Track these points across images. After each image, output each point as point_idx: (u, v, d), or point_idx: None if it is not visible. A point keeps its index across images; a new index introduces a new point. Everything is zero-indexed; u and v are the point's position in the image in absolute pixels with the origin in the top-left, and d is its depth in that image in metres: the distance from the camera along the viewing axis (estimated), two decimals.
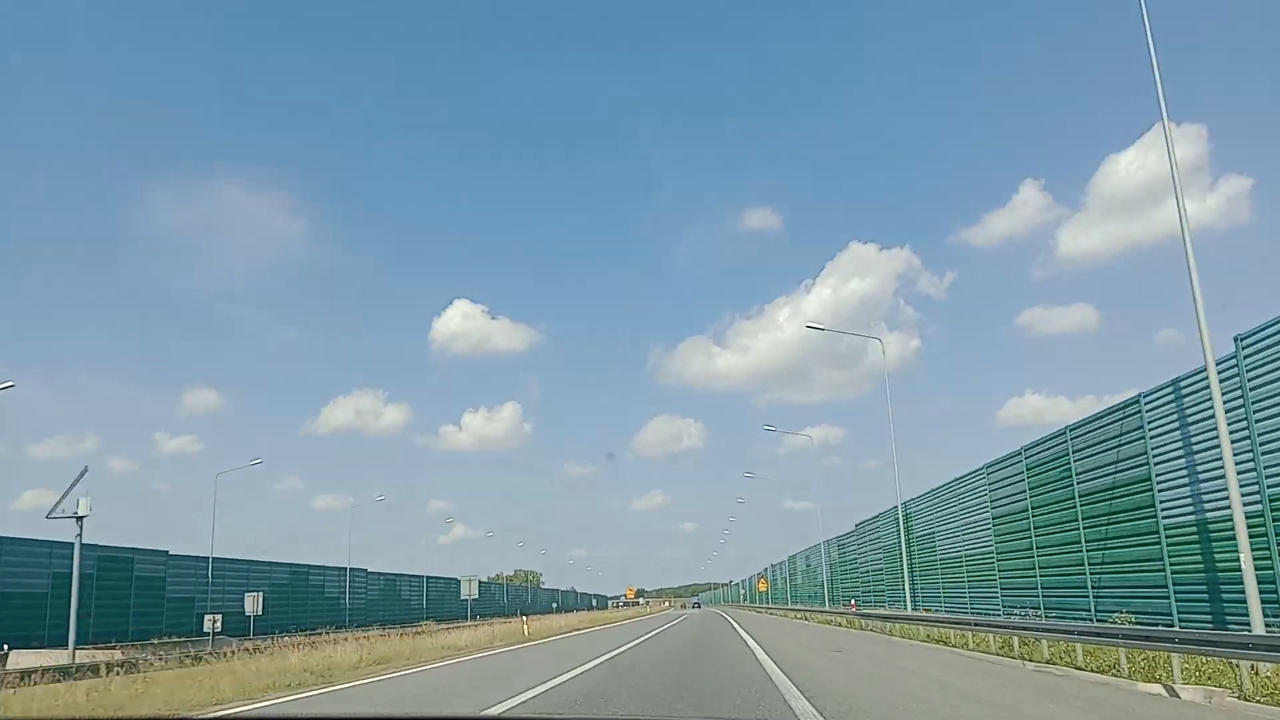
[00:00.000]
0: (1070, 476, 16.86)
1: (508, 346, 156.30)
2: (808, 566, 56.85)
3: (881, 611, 28.56)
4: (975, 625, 17.51)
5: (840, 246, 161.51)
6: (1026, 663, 14.15)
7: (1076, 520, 16.66)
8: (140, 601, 41.36)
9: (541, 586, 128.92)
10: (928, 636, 20.90)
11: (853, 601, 35.81)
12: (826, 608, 43.67)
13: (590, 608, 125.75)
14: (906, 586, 27.91)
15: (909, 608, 27.55)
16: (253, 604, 41.71)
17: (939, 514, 26.65)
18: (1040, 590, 18.57)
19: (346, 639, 26.69)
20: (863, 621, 28.97)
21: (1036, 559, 18.71)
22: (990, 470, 21.63)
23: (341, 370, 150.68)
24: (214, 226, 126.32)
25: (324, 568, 57.18)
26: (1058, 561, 17.67)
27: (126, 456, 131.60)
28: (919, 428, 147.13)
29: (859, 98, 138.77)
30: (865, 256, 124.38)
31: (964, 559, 24.08)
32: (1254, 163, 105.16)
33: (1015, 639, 15.25)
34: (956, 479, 24.98)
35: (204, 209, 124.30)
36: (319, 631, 44.60)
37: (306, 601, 54.18)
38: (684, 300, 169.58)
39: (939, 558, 26.64)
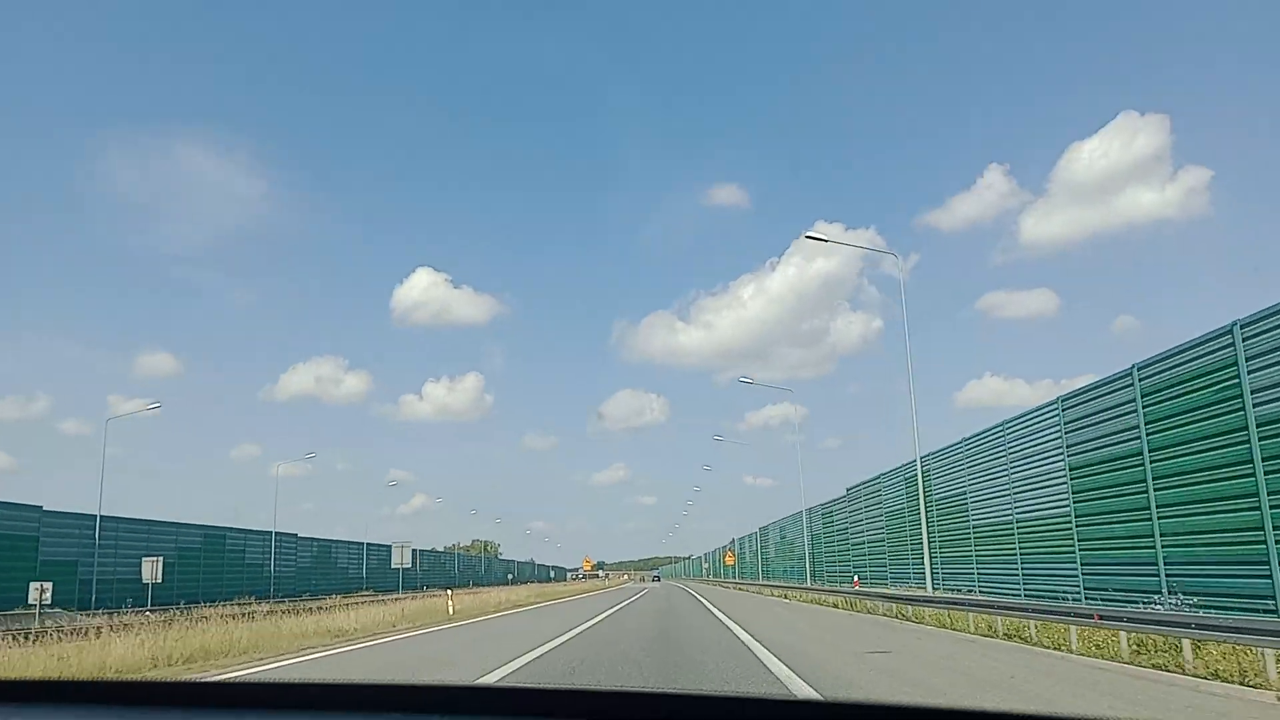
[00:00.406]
0: (1240, 397, 11.14)
1: (471, 316, 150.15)
2: (782, 539, 51.36)
3: (894, 591, 22.93)
4: (1074, 615, 11.86)
5: (806, 225, 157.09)
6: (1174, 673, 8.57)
7: (1251, 461, 10.95)
8: (6, 565, 34.80)
9: (499, 557, 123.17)
10: (976, 627, 15.25)
11: (855, 579, 30.17)
12: (809, 584, 38.20)
13: (548, 579, 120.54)
14: (928, 560, 22.23)
15: (930, 587, 21.91)
16: (150, 570, 35.45)
17: (972, 468, 20.97)
18: (1162, 564, 12.89)
19: (209, 615, 20.71)
20: (866, 603, 23.39)
21: (1157, 521, 13.02)
22: (1066, 404, 15.90)
23: (301, 336, 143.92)
24: (172, 187, 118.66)
25: (245, 531, 50.60)
26: (1202, 525, 11.98)
27: (80, 419, 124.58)
28: (880, 407, 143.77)
29: (827, 77, 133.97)
30: (830, 236, 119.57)
31: (1014, 525, 18.41)
32: (1215, 154, 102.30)
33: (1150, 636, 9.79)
34: (1000, 424, 19.28)
35: (162, 168, 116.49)
36: (234, 602, 40.01)
37: (223, 569, 47.76)
38: (649, 275, 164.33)
39: (971, 524, 20.99)
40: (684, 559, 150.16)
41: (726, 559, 76.62)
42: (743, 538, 70.34)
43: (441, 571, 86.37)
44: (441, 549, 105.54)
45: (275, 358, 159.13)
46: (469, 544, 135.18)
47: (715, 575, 63.18)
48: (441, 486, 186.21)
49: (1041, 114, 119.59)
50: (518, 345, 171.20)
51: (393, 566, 33.87)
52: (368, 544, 67.97)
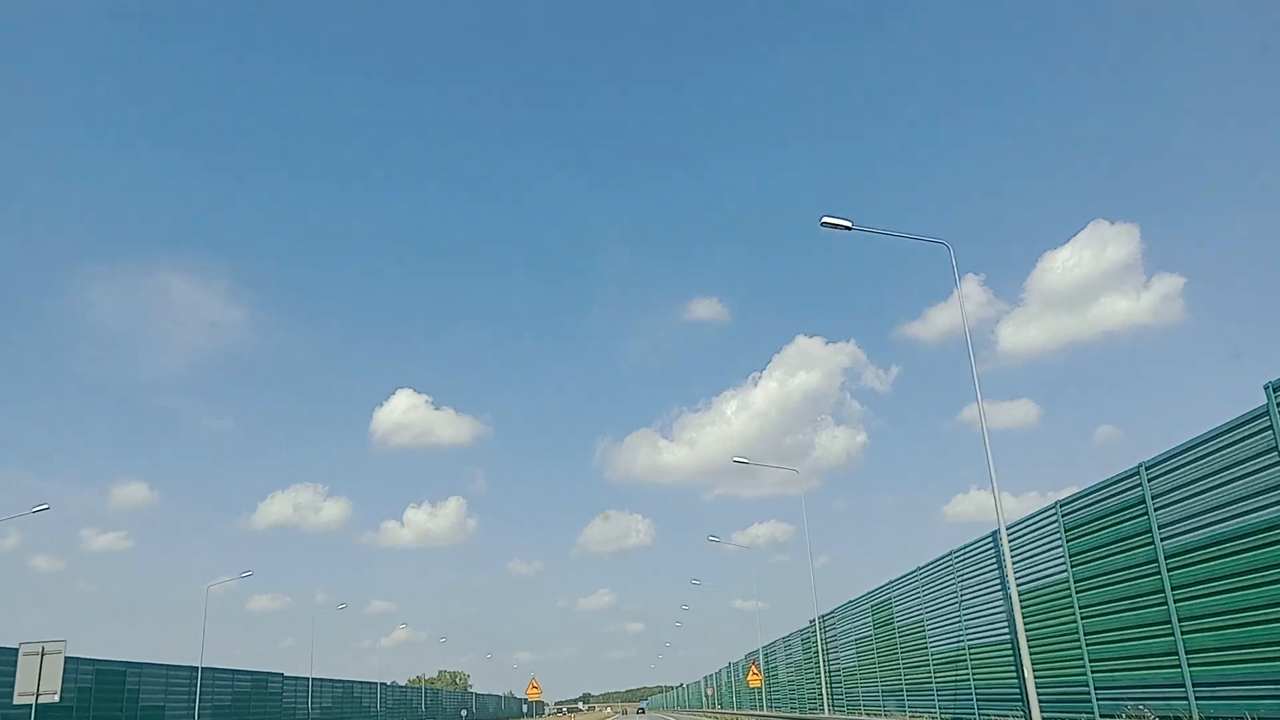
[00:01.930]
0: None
1: (452, 438, 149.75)
2: (768, 665, 49.58)
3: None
4: None
5: (786, 340, 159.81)
6: None
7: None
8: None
9: (469, 690, 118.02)
10: None
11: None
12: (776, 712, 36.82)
13: (520, 715, 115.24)
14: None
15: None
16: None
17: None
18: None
19: None
20: None
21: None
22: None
23: (280, 463, 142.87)
24: (150, 314, 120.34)
25: (144, 664, 45.56)
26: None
27: (52, 554, 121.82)
28: (865, 524, 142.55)
29: (802, 190, 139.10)
30: (811, 350, 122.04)
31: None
32: (1185, 261, 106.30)
33: None
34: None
35: (141, 296, 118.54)
36: None
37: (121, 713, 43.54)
38: (631, 392, 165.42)
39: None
40: (674, 688, 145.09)
41: (706, 691, 75.54)
42: (719, 670, 69.01)
43: (409, 710, 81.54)
44: (405, 682, 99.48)
45: (253, 486, 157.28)
46: (434, 676, 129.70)
47: (730, 704, 60.94)
48: (424, 617, 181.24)
49: (1014, 222, 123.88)
50: (500, 467, 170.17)
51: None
52: (313, 679, 61.19)
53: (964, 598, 18.58)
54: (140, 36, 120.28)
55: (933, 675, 20.58)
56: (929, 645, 20.92)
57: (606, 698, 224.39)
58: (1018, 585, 15.56)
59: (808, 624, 34.86)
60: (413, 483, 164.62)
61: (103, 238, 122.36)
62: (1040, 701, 14.47)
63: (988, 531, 17.14)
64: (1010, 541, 15.67)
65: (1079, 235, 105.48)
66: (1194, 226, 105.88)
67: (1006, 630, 16.25)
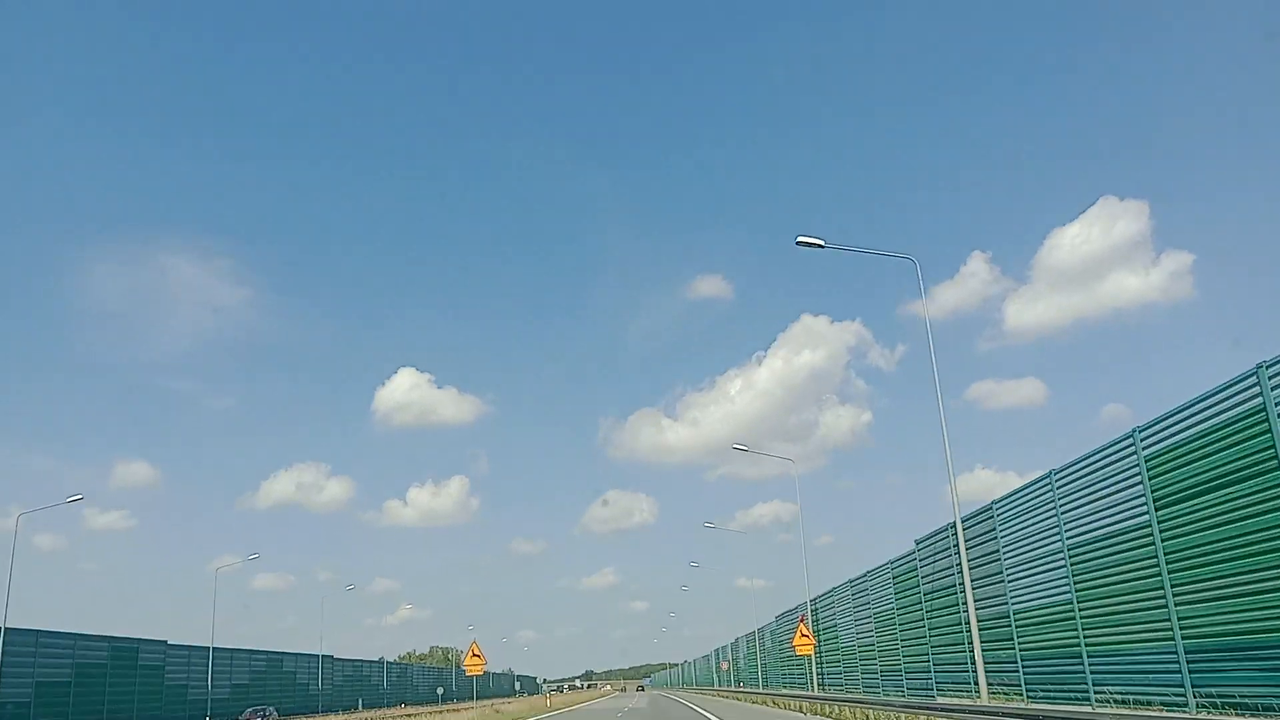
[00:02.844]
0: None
1: (455, 417, 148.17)
2: (775, 642, 47.67)
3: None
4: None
5: (792, 318, 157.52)
6: None
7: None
8: (144, 690, 40.89)
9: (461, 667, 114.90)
10: None
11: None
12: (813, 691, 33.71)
13: (513, 693, 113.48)
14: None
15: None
16: None
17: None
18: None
19: None
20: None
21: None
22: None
23: (282, 442, 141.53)
24: (155, 295, 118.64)
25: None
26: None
27: (53, 533, 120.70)
28: (871, 503, 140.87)
29: (809, 166, 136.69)
30: (816, 329, 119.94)
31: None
32: (1194, 238, 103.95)
33: None
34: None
35: (146, 277, 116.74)
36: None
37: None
38: (635, 371, 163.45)
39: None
40: (677, 665, 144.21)
41: (721, 666, 71.63)
42: (736, 640, 66.21)
43: (409, 686, 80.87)
44: (397, 658, 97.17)
45: (256, 465, 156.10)
46: (425, 651, 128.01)
47: (742, 680, 58.27)
48: (428, 595, 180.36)
49: (1022, 199, 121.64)
50: (503, 446, 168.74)
51: None
52: (323, 656, 62.62)
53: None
54: (145, 19, 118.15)
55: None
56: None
57: (609, 675, 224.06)
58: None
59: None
60: (416, 462, 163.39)
61: (107, 219, 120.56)
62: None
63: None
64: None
65: (1088, 212, 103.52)
66: (1204, 204, 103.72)
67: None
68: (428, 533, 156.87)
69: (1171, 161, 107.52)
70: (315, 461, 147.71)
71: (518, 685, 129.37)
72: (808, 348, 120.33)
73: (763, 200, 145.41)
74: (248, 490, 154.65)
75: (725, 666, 67.54)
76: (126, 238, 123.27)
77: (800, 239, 19.52)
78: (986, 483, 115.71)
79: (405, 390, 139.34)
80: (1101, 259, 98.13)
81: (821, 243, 19.49)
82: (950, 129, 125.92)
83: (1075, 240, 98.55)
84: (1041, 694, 15.27)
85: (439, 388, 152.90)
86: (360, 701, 66.85)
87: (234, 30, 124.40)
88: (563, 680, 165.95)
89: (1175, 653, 11.16)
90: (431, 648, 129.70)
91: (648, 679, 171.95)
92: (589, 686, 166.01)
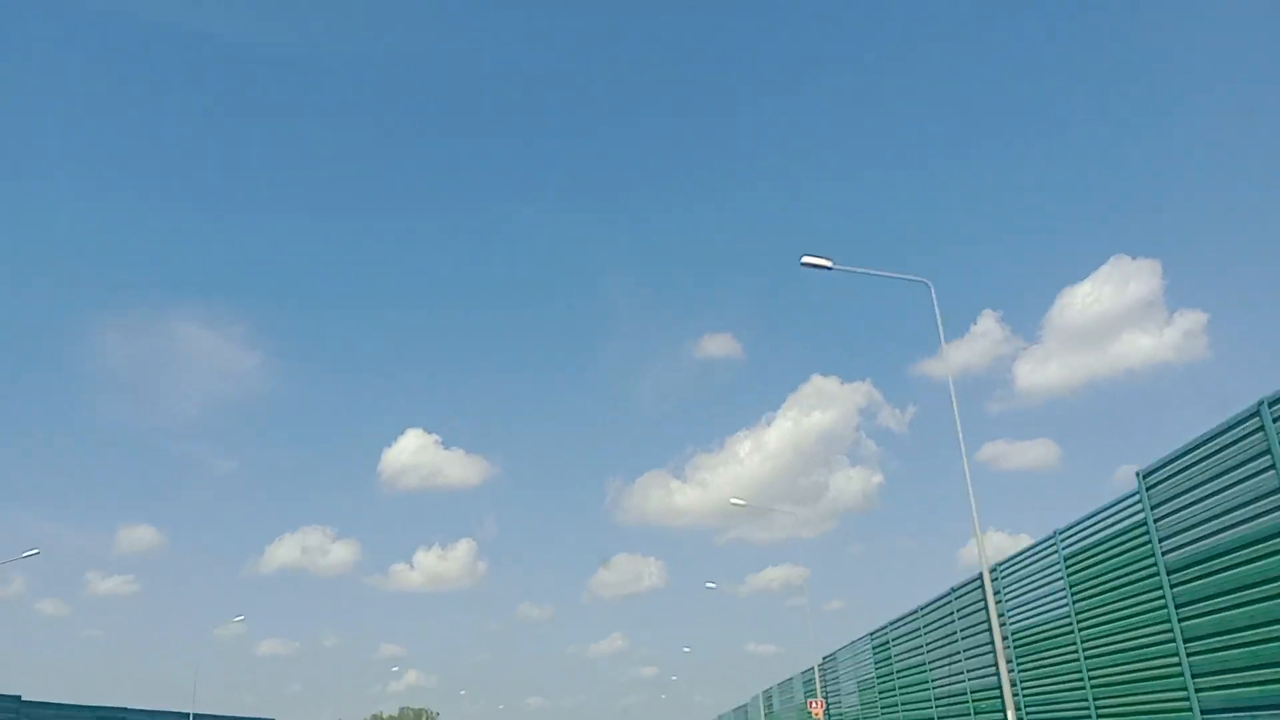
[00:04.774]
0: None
1: (462, 479, 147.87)
2: (769, 712, 48.11)
3: None
4: None
5: (802, 378, 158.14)
6: None
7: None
8: None
9: None
10: None
11: None
12: None
13: None
14: None
15: None
16: None
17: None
18: None
19: None
20: None
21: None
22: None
23: (287, 506, 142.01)
24: (165, 361, 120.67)
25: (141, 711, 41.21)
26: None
27: (55, 598, 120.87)
28: (881, 566, 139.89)
29: (815, 225, 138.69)
30: (827, 389, 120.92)
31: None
32: (1208, 297, 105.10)
33: None
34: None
35: (155, 344, 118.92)
36: None
37: None
38: (643, 432, 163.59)
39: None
40: None
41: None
42: (738, 708, 66.36)
43: None
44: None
45: (262, 528, 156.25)
46: (395, 713, 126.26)
47: None
48: (434, 662, 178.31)
49: (1033, 258, 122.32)
50: (510, 508, 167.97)
51: None
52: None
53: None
54: (152, 83, 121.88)
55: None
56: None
57: None
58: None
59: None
60: (422, 525, 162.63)
61: (118, 285, 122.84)
62: None
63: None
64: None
65: (1100, 270, 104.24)
66: (1217, 262, 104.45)
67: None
68: (434, 597, 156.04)
69: (1184, 219, 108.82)
70: (321, 525, 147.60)
71: None
72: (818, 408, 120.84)
73: (772, 257, 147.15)
74: (253, 554, 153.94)
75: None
76: (139, 302, 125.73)
77: (805, 259, 18.22)
78: (999, 545, 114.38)
79: (412, 451, 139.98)
80: (1114, 318, 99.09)
81: (829, 263, 18.25)
82: (960, 187, 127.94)
83: (1086, 299, 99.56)
84: None
85: (446, 448, 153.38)
86: None
87: (245, 98, 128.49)
88: None
89: None
90: (402, 709, 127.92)
91: None
92: None
